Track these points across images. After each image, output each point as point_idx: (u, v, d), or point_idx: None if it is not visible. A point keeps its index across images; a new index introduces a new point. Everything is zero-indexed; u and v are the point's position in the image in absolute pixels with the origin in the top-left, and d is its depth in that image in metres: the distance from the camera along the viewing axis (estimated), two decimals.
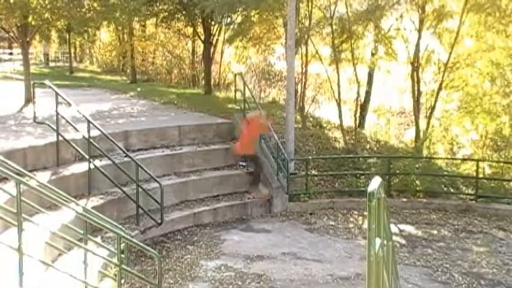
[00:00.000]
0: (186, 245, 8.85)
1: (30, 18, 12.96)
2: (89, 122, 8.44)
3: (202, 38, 19.22)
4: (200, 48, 22.88)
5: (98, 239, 6.91)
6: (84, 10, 14.40)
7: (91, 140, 8.50)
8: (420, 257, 8.52)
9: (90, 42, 36.99)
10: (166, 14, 20.13)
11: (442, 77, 14.57)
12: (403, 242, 9.32)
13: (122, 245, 6.07)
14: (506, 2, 13.50)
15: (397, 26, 15.18)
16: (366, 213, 3.37)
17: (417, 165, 12.71)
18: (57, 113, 8.54)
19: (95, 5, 14.94)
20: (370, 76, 18.28)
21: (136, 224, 8.63)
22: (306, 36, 14.70)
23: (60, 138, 8.55)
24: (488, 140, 15.96)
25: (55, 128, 8.54)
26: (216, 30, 19.75)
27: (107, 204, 8.40)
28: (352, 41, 14.33)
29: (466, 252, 8.82)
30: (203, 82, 21.24)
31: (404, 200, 11.64)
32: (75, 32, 28.22)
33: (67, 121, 8.58)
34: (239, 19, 18.62)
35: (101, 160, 8.91)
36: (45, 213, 5.77)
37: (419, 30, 14.47)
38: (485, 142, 15.92)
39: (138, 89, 19.47)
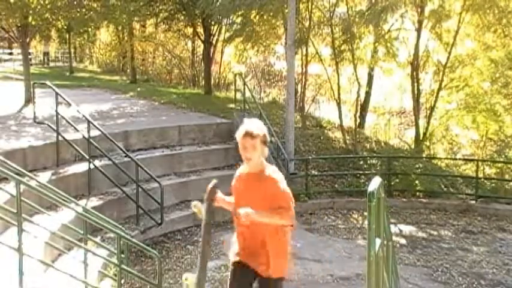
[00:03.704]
0: (186, 245, 8.85)
1: (30, 18, 12.96)
2: (88, 122, 8.43)
3: (202, 38, 19.22)
4: (200, 48, 22.88)
5: (98, 239, 6.91)
6: (84, 10, 14.41)
7: (91, 140, 8.49)
8: (420, 257, 8.52)
9: (90, 42, 36.97)
10: (167, 14, 20.14)
11: (442, 77, 14.57)
12: (403, 242, 9.32)
13: (122, 244, 6.07)
14: (505, 3, 13.50)
15: (397, 26, 15.18)
16: (366, 213, 3.37)
17: (417, 166, 12.71)
18: (57, 113, 8.54)
19: (95, 5, 14.95)
20: (370, 76, 18.28)
21: (136, 224, 8.62)
22: (306, 37, 14.70)
23: (60, 138, 8.54)
24: (488, 140, 15.96)
25: (55, 128, 8.54)
26: (216, 30, 19.75)
27: (106, 204, 8.39)
28: (353, 42, 14.33)
29: (466, 252, 8.81)
30: (203, 82, 21.24)
31: (405, 200, 11.64)
32: (75, 32, 28.21)
33: (67, 121, 8.57)
34: (239, 19, 18.64)
35: (100, 160, 8.91)
36: (45, 213, 5.77)
37: (419, 31, 14.47)
38: (485, 142, 15.92)
39: (138, 89, 19.46)
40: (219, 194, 3.95)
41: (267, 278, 3.84)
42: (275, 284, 3.89)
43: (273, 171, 3.96)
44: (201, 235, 3.88)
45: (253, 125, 3.90)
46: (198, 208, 3.92)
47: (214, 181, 3.93)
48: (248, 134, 3.80)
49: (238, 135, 3.83)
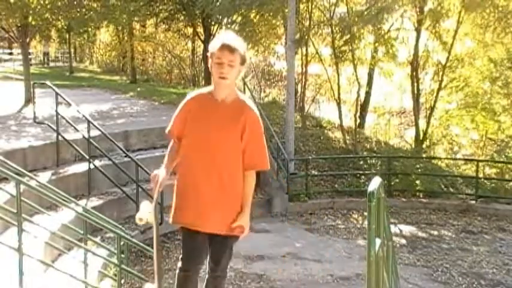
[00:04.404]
0: None
1: (30, 18, 12.96)
2: (88, 122, 8.43)
3: (202, 38, 19.23)
4: (200, 48, 22.89)
5: (98, 239, 6.90)
6: (84, 10, 14.42)
7: (91, 140, 8.49)
8: (420, 257, 8.52)
9: (90, 42, 36.99)
10: (167, 14, 20.16)
11: (441, 77, 14.58)
12: (403, 242, 9.33)
13: (122, 244, 6.06)
14: (505, 3, 13.51)
15: (396, 26, 15.19)
16: (366, 213, 3.37)
17: (417, 166, 12.71)
18: (57, 113, 8.54)
19: (95, 5, 14.96)
20: (370, 76, 18.28)
21: (136, 224, 8.60)
22: (306, 37, 14.71)
23: (60, 138, 8.54)
24: (488, 140, 15.97)
25: (55, 128, 8.54)
26: (216, 30, 19.76)
27: (106, 204, 8.38)
28: (353, 42, 14.34)
29: (466, 252, 8.82)
30: (203, 82, 21.25)
31: (405, 200, 11.65)
32: (75, 32, 28.24)
33: (67, 121, 8.57)
34: (239, 19, 18.64)
35: (100, 160, 8.90)
36: (45, 213, 5.77)
37: (418, 31, 14.48)
38: (485, 142, 15.93)
39: (138, 89, 19.46)
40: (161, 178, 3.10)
41: (226, 236, 3.13)
42: (234, 241, 3.22)
43: (250, 101, 3.18)
44: (156, 243, 3.19)
45: (233, 37, 3.12)
46: (149, 214, 3.07)
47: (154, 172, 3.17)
48: (226, 47, 3.02)
49: (213, 47, 3.05)
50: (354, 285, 7.34)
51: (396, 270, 4.91)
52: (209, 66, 3.10)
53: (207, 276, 3.29)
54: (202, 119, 3.09)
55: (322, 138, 14.33)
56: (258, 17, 16.09)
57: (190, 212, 3.12)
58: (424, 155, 14.21)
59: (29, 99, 12.10)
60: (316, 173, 12.32)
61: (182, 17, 20.28)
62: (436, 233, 9.88)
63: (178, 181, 3.22)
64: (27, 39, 13.61)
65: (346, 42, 14.32)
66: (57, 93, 8.48)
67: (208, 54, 3.09)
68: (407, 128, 20.14)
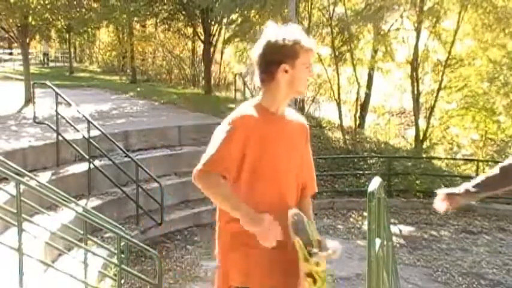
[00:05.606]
0: (186, 245, 8.84)
1: (30, 18, 12.97)
2: (89, 122, 8.43)
3: (202, 38, 19.22)
4: (200, 48, 22.89)
5: (98, 239, 6.90)
6: (84, 10, 14.44)
7: (91, 140, 8.49)
8: (420, 257, 8.52)
9: (90, 42, 36.97)
10: (166, 14, 20.15)
11: (441, 77, 14.58)
12: (403, 242, 9.32)
13: (122, 244, 6.06)
14: (504, 3, 13.51)
15: (396, 26, 15.19)
16: (365, 213, 3.37)
17: (417, 166, 12.71)
18: (57, 113, 8.54)
19: (95, 5, 14.98)
20: (370, 76, 18.28)
21: (136, 224, 8.61)
22: None
23: (60, 138, 8.54)
24: (488, 140, 15.97)
25: (55, 128, 8.54)
26: (216, 30, 19.75)
27: (106, 204, 8.39)
28: (352, 42, 14.34)
29: (466, 252, 8.81)
30: (203, 82, 21.25)
31: (405, 200, 11.64)
32: (75, 32, 28.24)
33: (67, 121, 8.58)
34: (239, 19, 18.63)
35: (100, 160, 8.90)
36: (45, 213, 5.77)
37: (418, 30, 14.48)
38: (485, 142, 15.93)
39: (138, 89, 19.46)
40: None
41: None
42: None
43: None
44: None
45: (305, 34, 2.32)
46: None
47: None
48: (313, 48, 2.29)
49: (297, 44, 2.22)
50: (354, 285, 7.34)
51: (396, 270, 4.91)
52: (280, 73, 2.26)
53: None
54: (274, 142, 2.34)
55: (322, 138, 14.33)
56: (257, 16, 16.08)
57: (273, 270, 2.29)
58: (424, 155, 14.20)
59: (29, 99, 12.10)
60: (316, 173, 12.29)
61: (182, 17, 20.27)
62: (436, 233, 9.88)
63: (232, 228, 2.37)
64: (27, 39, 13.61)
65: (345, 42, 14.31)
66: (57, 93, 8.48)
67: (277, 55, 2.23)
68: (407, 128, 20.14)
